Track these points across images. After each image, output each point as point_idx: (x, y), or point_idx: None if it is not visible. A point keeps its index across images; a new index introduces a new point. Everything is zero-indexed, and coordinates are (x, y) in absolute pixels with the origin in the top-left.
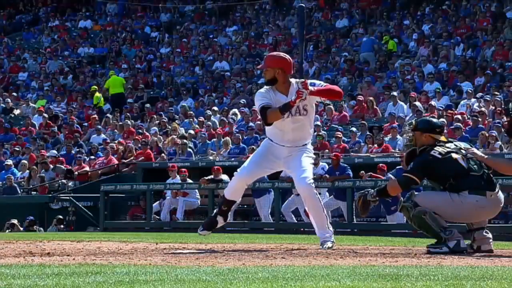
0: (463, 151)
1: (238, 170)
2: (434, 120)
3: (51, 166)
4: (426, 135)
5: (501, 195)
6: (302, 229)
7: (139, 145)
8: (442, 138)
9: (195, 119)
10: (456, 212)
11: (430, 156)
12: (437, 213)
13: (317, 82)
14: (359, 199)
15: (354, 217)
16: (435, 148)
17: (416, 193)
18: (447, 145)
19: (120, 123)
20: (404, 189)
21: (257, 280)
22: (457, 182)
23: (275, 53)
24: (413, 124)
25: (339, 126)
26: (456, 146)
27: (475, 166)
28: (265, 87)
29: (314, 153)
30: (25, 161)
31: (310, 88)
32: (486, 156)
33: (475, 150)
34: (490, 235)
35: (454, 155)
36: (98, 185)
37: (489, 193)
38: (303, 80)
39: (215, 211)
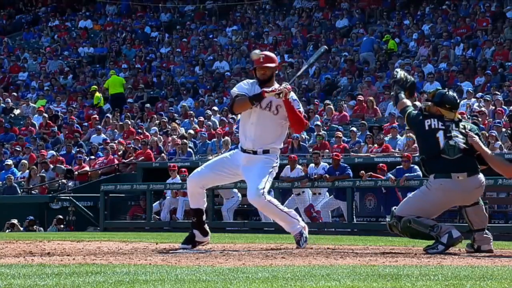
0: (459, 134)
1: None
2: (450, 95)
3: (51, 166)
4: (437, 108)
5: (475, 179)
6: None
7: (139, 145)
8: (453, 116)
9: (195, 119)
10: (430, 202)
11: (421, 122)
12: (420, 214)
13: (297, 104)
14: (396, 79)
15: (354, 217)
16: (431, 119)
17: (394, 208)
18: (447, 123)
19: (120, 123)
20: (399, 111)
21: (257, 280)
22: (427, 160)
23: (269, 52)
24: (430, 94)
25: (339, 126)
26: (458, 127)
27: (450, 149)
28: (248, 80)
29: (314, 153)
30: (25, 161)
31: (290, 96)
32: (487, 151)
33: (477, 140)
34: (490, 236)
35: (439, 134)
36: (98, 185)
37: (455, 175)
38: (290, 86)
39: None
